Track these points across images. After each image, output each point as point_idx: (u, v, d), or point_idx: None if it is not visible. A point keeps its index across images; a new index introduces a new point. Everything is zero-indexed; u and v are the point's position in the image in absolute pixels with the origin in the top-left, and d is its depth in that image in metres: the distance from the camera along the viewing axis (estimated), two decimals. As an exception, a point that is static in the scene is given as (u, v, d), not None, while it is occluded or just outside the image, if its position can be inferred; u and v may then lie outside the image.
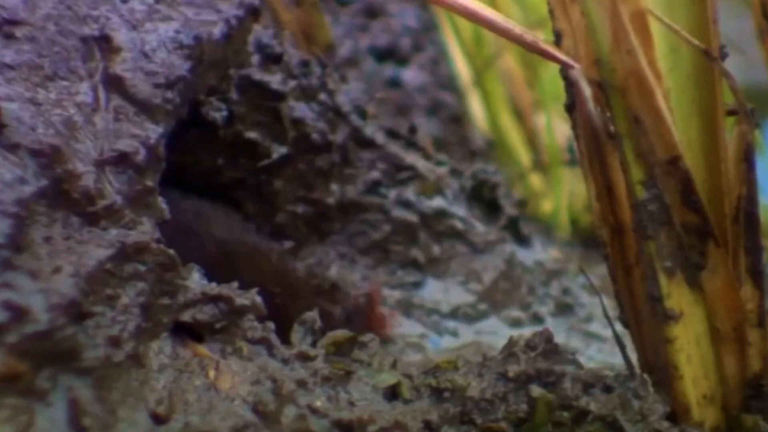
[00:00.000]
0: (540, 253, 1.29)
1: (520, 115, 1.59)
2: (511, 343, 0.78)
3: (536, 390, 0.73)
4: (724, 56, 0.72)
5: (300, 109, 1.05)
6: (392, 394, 0.75)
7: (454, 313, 1.11)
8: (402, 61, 1.66)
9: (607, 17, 0.66)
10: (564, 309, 1.18)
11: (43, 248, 0.66)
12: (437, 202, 1.18)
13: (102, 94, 0.78)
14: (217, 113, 0.99)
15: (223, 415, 0.68)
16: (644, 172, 0.70)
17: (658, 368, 0.75)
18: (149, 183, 0.76)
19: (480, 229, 1.20)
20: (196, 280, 0.75)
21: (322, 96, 1.09)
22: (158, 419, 0.66)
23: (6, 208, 0.65)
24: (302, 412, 0.69)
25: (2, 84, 0.73)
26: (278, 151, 1.03)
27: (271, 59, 1.05)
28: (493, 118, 1.57)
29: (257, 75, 1.03)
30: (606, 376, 0.75)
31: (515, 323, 1.12)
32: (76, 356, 0.64)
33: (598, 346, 1.12)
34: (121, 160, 0.75)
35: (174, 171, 0.83)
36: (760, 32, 0.76)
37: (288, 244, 1.02)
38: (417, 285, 1.13)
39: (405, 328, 1.06)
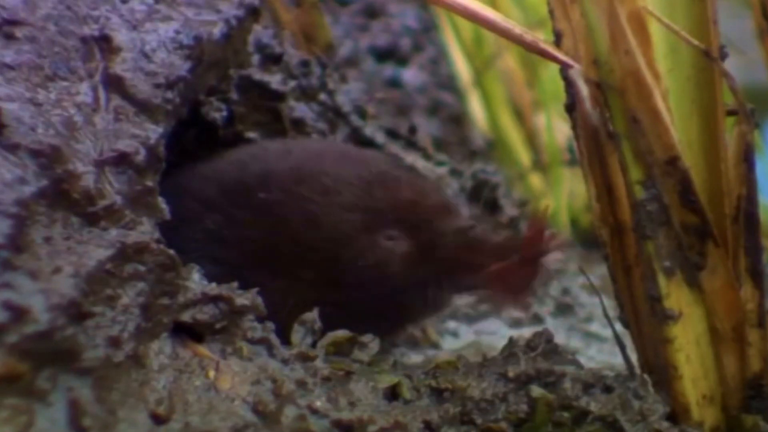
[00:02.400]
0: (540, 253, 1.28)
1: (520, 115, 1.59)
2: (511, 343, 0.78)
3: (536, 390, 0.73)
4: (724, 56, 0.72)
5: (300, 109, 1.05)
6: (392, 394, 0.75)
7: (454, 313, 1.10)
8: (402, 61, 1.66)
9: (604, 18, 0.67)
10: (564, 309, 1.18)
11: (43, 248, 0.66)
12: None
13: (102, 94, 0.78)
14: (217, 113, 0.99)
15: (223, 415, 0.68)
16: (643, 172, 0.70)
17: (658, 368, 0.75)
18: (149, 183, 0.76)
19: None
20: (196, 281, 0.75)
21: (322, 96, 1.09)
22: (158, 419, 0.66)
23: (6, 208, 0.65)
24: (302, 412, 0.69)
25: (2, 84, 0.73)
26: (278, 151, 1.03)
27: (271, 59, 1.05)
28: (493, 118, 1.57)
29: (257, 75, 1.03)
30: (606, 376, 0.75)
31: (515, 323, 1.12)
32: (76, 356, 0.64)
33: (598, 346, 1.12)
34: (121, 160, 0.75)
35: None
36: (760, 32, 0.76)
37: None
38: (417, 285, 1.12)
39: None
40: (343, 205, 0.81)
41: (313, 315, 0.78)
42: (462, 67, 1.65)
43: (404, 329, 0.88)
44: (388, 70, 1.63)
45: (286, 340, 0.76)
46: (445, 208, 0.85)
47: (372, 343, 0.78)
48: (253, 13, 0.95)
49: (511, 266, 0.81)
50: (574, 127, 0.78)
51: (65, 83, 0.77)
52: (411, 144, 1.21)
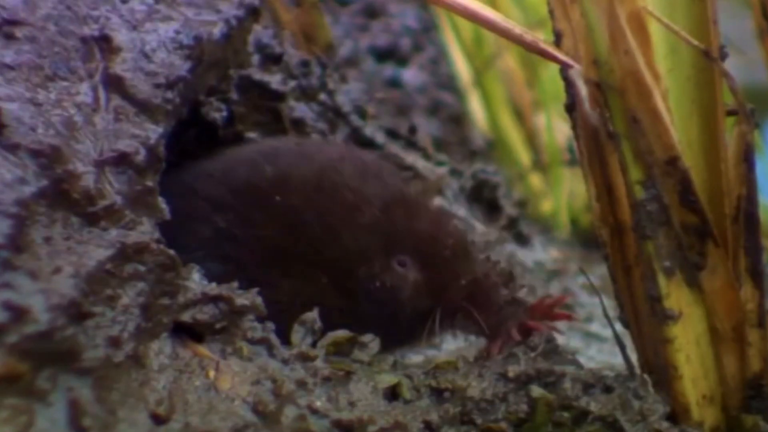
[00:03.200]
0: (540, 253, 1.29)
1: (520, 115, 1.59)
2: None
3: (536, 390, 0.73)
4: (724, 56, 0.72)
5: (300, 109, 1.05)
6: (392, 394, 0.75)
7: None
8: (402, 61, 1.66)
9: (604, 18, 0.67)
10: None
11: (43, 248, 0.66)
12: (437, 203, 1.18)
13: (102, 94, 0.78)
14: (217, 113, 0.99)
15: (223, 415, 0.68)
16: (643, 173, 0.70)
17: (658, 368, 0.75)
18: (149, 183, 0.76)
19: (480, 229, 1.20)
20: (196, 280, 0.75)
21: (322, 96, 1.09)
22: (158, 419, 0.66)
23: (6, 208, 0.65)
24: (302, 412, 0.69)
25: (2, 84, 0.73)
26: (278, 151, 1.03)
27: (271, 59, 1.05)
28: (493, 118, 1.57)
29: (257, 75, 1.03)
30: (606, 376, 0.75)
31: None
32: (76, 356, 0.64)
33: (598, 346, 1.12)
34: (121, 160, 0.75)
35: None
36: (760, 32, 0.76)
37: None
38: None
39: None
40: (363, 225, 0.83)
41: (313, 315, 0.78)
42: (462, 67, 1.65)
43: (401, 347, 0.89)
44: (388, 70, 1.63)
45: (288, 340, 0.77)
46: (463, 249, 0.86)
47: (372, 343, 0.78)
48: (253, 13, 0.95)
49: (506, 330, 0.83)
50: (574, 127, 0.78)
51: (65, 83, 0.77)
52: (411, 144, 1.21)
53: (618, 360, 0.82)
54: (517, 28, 0.75)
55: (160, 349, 0.70)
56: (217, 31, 0.88)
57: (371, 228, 0.83)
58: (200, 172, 0.87)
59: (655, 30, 0.68)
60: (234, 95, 1.01)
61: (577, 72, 0.71)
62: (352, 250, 0.82)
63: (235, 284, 0.76)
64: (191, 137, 0.98)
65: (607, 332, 1.10)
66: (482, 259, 0.90)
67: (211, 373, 0.71)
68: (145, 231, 0.73)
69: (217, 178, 0.85)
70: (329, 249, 0.82)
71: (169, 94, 0.81)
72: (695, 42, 0.70)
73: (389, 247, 0.83)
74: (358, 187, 0.83)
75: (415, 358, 0.97)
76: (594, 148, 0.74)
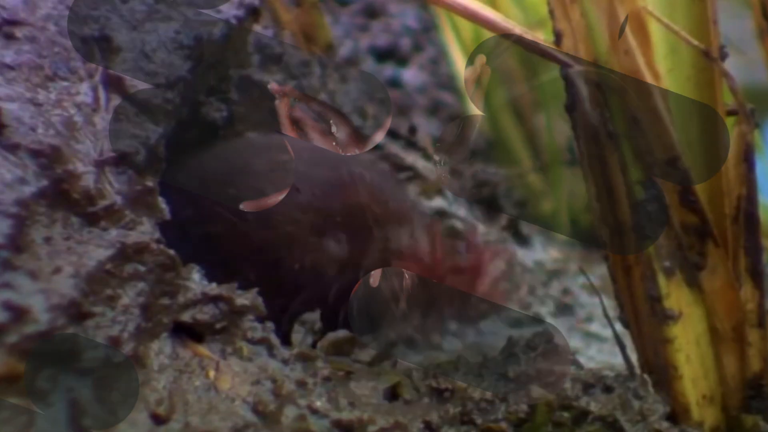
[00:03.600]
0: (540, 253, 1.29)
1: (520, 115, 1.59)
2: (511, 343, 0.78)
3: (536, 390, 0.73)
4: (724, 56, 0.72)
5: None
6: (392, 394, 0.75)
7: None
8: (402, 61, 1.66)
9: (604, 17, 0.67)
10: (564, 309, 1.18)
11: (43, 248, 0.66)
12: (437, 202, 1.18)
13: (102, 94, 0.78)
14: (217, 113, 0.99)
15: (223, 415, 0.68)
16: (643, 173, 0.70)
17: (658, 368, 0.75)
18: (149, 183, 0.76)
19: (480, 229, 1.20)
20: (196, 281, 0.75)
21: (322, 96, 1.09)
22: (158, 419, 0.66)
23: (6, 208, 0.65)
24: (302, 412, 0.69)
25: (2, 84, 0.73)
26: (278, 151, 1.03)
27: (271, 59, 1.05)
28: (493, 118, 1.57)
29: (257, 75, 1.03)
30: (606, 376, 0.75)
31: (515, 323, 1.12)
32: (76, 356, 0.64)
33: (598, 346, 1.12)
34: (121, 160, 0.75)
35: None
36: (760, 32, 0.76)
37: None
38: (417, 285, 1.12)
39: (405, 328, 1.06)
40: (298, 205, 0.81)
41: (313, 315, 0.78)
42: (462, 67, 1.65)
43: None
44: (388, 70, 1.63)
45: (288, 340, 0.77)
46: (397, 218, 0.82)
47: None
48: (253, 13, 0.95)
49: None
50: (574, 127, 0.78)
51: (65, 83, 0.77)
52: (411, 144, 1.21)
53: (618, 360, 0.82)
54: (517, 28, 0.75)
55: (160, 349, 0.70)
56: (217, 31, 0.88)
57: (304, 209, 0.81)
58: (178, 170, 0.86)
59: (655, 30, 0.69)
60: (234, 95, 1.01)
61: (577, 72, 0.71)
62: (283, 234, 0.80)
63: (235, 284, 0.76)
64: (191, 137, 0.98)
65: (607, 332, 1.10)
66: (423, 228, 0.85)
67: (211, 373, 0.71)
68: (145, 231, 0.73)
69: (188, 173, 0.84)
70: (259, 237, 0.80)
71: (169, 94, 0.81)
72: (695, 42, 0.70)
73: (320, 226, 0.81)
74: (304, 171, 0.81)
75: (415, 357, 0.97)
76: (594, 148, 0.74)
